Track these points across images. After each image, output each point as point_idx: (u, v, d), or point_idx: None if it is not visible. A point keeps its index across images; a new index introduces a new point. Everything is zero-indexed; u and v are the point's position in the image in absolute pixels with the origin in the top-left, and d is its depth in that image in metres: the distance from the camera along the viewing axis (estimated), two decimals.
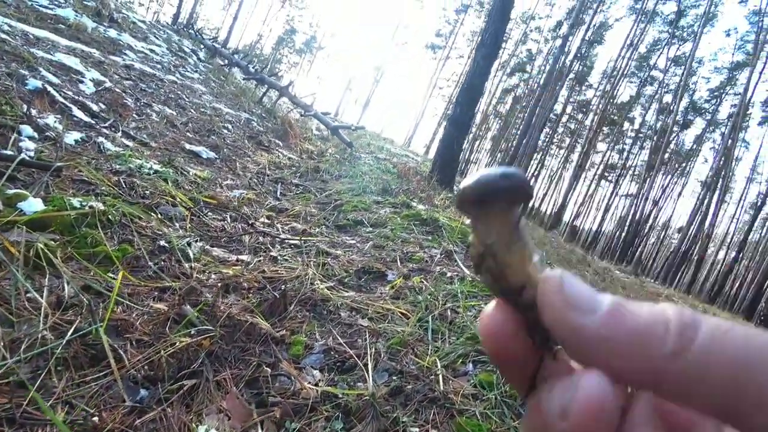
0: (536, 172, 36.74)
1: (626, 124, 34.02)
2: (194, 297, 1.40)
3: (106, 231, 1.52)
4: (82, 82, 3.19)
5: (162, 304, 1.35)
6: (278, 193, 3.27)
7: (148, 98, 4.00)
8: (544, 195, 38.06)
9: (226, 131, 4.73)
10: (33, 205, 1.34)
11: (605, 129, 33.02)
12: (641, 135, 33.30)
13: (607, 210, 33.61)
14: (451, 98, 36.02)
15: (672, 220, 36.91)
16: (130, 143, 2.68)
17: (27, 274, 1.14)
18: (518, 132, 28.26)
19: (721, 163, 24.31)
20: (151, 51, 6.73)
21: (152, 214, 1.87)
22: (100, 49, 4.98)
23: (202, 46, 9.78)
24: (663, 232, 35.96)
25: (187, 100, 4.89)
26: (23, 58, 2.78)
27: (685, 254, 25.20)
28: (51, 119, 2.21)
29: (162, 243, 1.66)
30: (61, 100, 2.52)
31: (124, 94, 3.59)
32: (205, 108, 5.10)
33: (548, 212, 37.22)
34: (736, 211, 34.44)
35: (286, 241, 2.11)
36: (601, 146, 35.69)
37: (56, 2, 5.81)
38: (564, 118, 36.29)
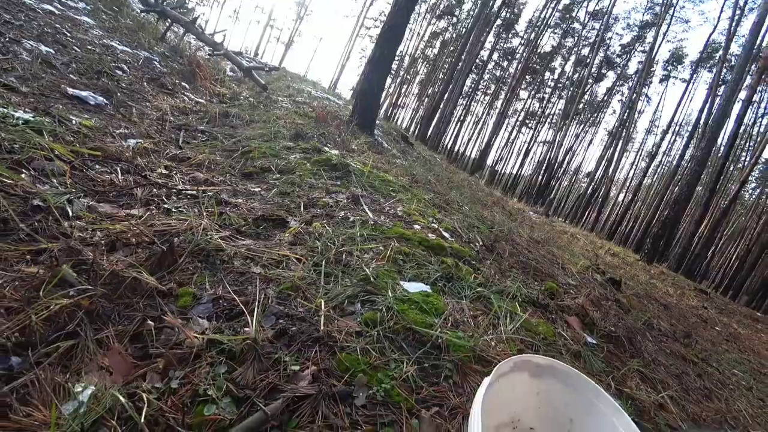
0: (461, 118, 37.70)
1: (547, 74, 35.58)
2: (74, 257, 1.34)
3: None
4: None
5: (36, 267, 1.28)
6: (180, 141, 3.08)
7: (15, 32, 3.44)
8: (469, 140, 39.44)
9: (120, 72, 4.25)
10: None
11: (528, 77, 34.27)
12: (560, 85, 35.13)
13: (526, 155, 35.80)
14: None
15: (583, 165, 40.41)
16: None
17: None
18: (445, 77, 28.46)
19: (626, 115, 26.69)
20: None
21: (23, 171, 1.70)
22: None
23: None
24: (574, 177, 39.34)
25: (69, 35, 4.27)
26: None
27: (591, 196, 28.03)
28: None
29: (36, 202, 1.54)
30: None
31: None
32: (93, 45, 4.50)
33: (472, 156, 38.83)
34: (635, 159, 38.47)
35: (184, 192, 2.04)
36: (524, 94, 37.22)
37: None
38: (490, 65, 36.97)
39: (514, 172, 37.27)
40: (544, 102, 36.60)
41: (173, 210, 1.80)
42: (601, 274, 4.13)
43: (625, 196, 35.64)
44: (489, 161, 36.16)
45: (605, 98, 35.41)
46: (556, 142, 29.66)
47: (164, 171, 2.34)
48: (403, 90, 39.58)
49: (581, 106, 32.98)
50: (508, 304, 1.80)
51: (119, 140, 2.64)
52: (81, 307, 1.14)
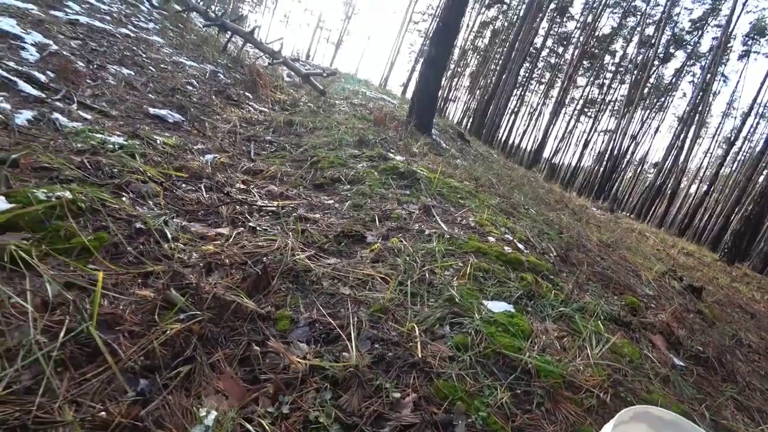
0: (516, 109, 36.44)
1: (607, 58, 33.49)
2: (178, 280, 1.43)
3: (78, 220, 1.50)
4: (23, 48, 2.96)
5: (147, 290, 1.38)
6: (252, 153, 3.21)
7: (101, 59, 3.74)
8: (524, 132, 38.06)
9: (190, 87, 4.51)
10: None
11: (585, 63, 32.47)
12: (621, 69, 32.94)
13: (585, 146, 33.97)
14: (428, 33, 34.48)
15: (649, 155, 37.70)
16: (89, 115, 2.56)
17: (6, 278, 1.14)
18: (497, 68, 27.60)
19: (699, 98, 24.48)
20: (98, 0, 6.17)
21: (123, 194, 1.84)
22: (37, 3, 4.56)
23: None
24: (639, 167, 36.82)
25: (144, 56, 4.59)
26: None
27: (659, 189, 26.04)
28: None
29: (138, 225, 1.66)
30: (3, 73, 2.35)
31: (73, 57, 3.35)
32: (165, 63, 4.81)
33: (528, 149, 37.44)
34: (710, 146, 35.33)
35: (264, 208, 2.12)
36: (581, 81, 35.30)
37: None
38: (544, 52, 35.44)
39: (573, 163, 35.48)
40: (605, 88, 34.47)
41: (258, 229, 1.88)
42: (678, 281, 3.84)
43: (698, 188, 32.84)
44: (546, 153, 34.75)
45: (673, 80, 32.73)
46: (619, 130, 27.87)
47: (242, 186, 2.45)
48: (454, 83, 38.92)
49: (646, 90, 30.69)
50: (592, 323, 1.71)
51: (198, 156, 2.80)
52: (193, 332, 1.22)
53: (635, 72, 28.86)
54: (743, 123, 27.15)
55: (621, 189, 32.97)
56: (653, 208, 26.85)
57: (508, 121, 35.28)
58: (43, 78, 2.70)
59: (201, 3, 11.68)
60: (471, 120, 33.61)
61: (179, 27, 7.49)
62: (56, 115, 2.27)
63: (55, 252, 1.36)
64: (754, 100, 26.68)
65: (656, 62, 29.10)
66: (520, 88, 35.75)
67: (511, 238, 2.29)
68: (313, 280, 1.57)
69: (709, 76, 24.36)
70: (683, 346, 2.01)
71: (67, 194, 1.55)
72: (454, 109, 40.74)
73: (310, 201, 2.38)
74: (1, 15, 3.40)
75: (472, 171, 4.55)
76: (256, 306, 1.37)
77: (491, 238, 2.21)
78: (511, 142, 36.62)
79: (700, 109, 25.27)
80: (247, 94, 5.54)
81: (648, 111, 33.44)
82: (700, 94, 24.60)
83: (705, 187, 27.21)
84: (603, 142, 31.97)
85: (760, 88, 26.05)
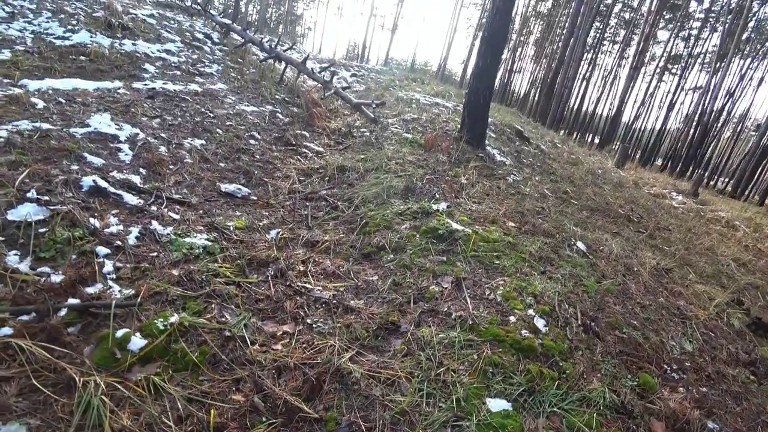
0: (587, 75, 33.82)
1: (693, 5, 29.61)
2: (259, 386, 1.95)
3: (185, 338, 2.07)
4: (120, 150, 3.69)
5: (239, 395, 1.92)
6: (309, 219, 3.71)
7: (177, 135, 4.44)
8: (598, 99, 35.28)
9: (253, 141, 5.13)
10: (137, 342, 1.90)
11: (666, 15, 29.00)
12: (713, 15, 29.00)
13: (671, 107, 30.69)
14: (484, 6, 32.87)
15: (751, 112, 33.03)
16: (176, 214, 3.19)
17: (152, 401, 1.72)
18: (563, 32, 25.76)
19: None
20: (167, 52, 7.04)
21: (212, 301, 2.41)
22: (122, 77, 5.42)
23: (214, 24, 9.85)
24: (739, 127, 32.54)
25: (212, 115, 5.27)
26: (68, 150, 3.29)
27: (764, 152, 22.91)
28: (112, 221, 2.76)
29: (226, 333, 2.21)
30: (113, 191, 3.04)
31: (156, 142, 4.06)
32: (230, 117, 5.46)
33: (604, 115, 34.72)
34: None
35: (319, 299, 2.60)
36: (662, 35, 31.67)
37: (70, 27, 6.22)
38: (617, 8, 32.25)
39: (657, 127, 32.23)
40: (692, 40, 30.65)
41: (313, 325, 2.35)
42: (743, 315, 3.73)
43: None
44: (625, 118, 31.99)
45: None
46: (712, 86, 24.80)
47: (301, 267, 2.95)
48: (518, 54, 36.96)
49: (745, 36, 26.74)
50: (587, 416, 1.96)
51: (264, 233, 3.35)
52: None
53: (729, 17, 25.29)
54: None
55: (717, 154, 29.47)
56: (756, 177, 23.77)
57: (579, 87, 32.88)
58: (138, 180, 3.39)
59: (255, 32, 12.43)
60: (538, 90, 31.84)
61: (239, 62, 8.25)
62: (154, 225, 2.91)
63: (176, 371, 1.93)
64: None
65: (756, 3, 25.18)
66: (591, 51, 33.02)
67: (533, 314, 2.54)
68: (354, 380, 2.01)
69: None
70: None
71: (176, 318, 2.13)
72: (519, 80, 38.78)
73: (356, 283, 2.82)
74: (99, 111, 4.21)
75: (522, 201, 4.67)
76: (313, 411, 1.85)
77: (513, 318, 2.48)
78: (584, 109, 34.18)
79: None
80: (303, 133, 6.08)
81: (748, 59, 29.19)
82: None
83: None
84: (691, 102, 28.65)
85: None
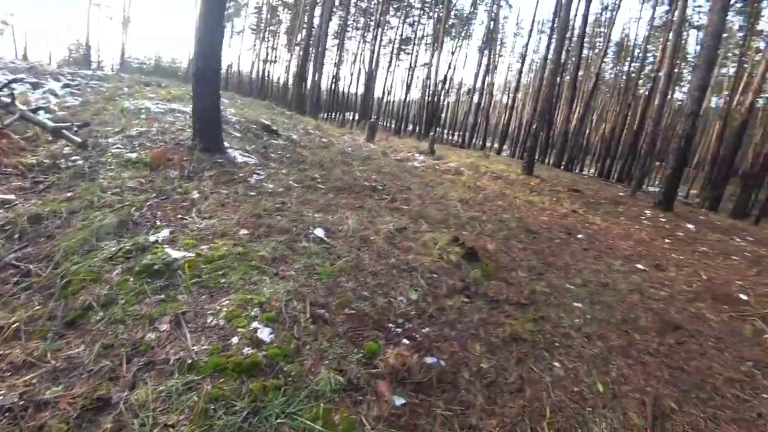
0: (337, 61, 36.60)
1: None
2: None
3: None
4: None
5: None
6: None
7: None
8: (350, 82, 38.78)
9: None
10: None
11: (394, 3, 33.66)
12: (427, 5, 35.09)
13: (410, 83, 36.16)
14: None
15: (465, 80, 41.94)
16: None
17: None
18: (307, 23, 26.95)
19: (492, 25, 27.67)
20: None
21: None
22: None
23: None
24: (458, 93, 40.86)
25: None
26: None
27: (477, 109, 29.51)
28: None
29: None
30: None
31: None
32: None
33: (359, 94, 38.43)
34: (508, 61, 40.78)
35: (1, 407, 1.95)
36: (394, 21, 36.68)
37: None
38: None
39: (403, 99, 37.59)
40: (416, 25, 36.54)
41: None
42: (460, 248, 4.53)
43: (508, 102, 38.08)
44: (378, 95, 36.08)
45: (472, 10, 36.18)
46: (434, 62, 30.14)
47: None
48: (272, 44, 36.98)
49: (450, 23, 33.36)
50: (315, 409, 2.05)
51: None
52: None
53: (438, 8, 31.15)
54: (528, 39, 31.59)
55: (448, 117, 36.50)
56: (476, 128, 30.48)
57: (332, 73, 35.42)
58: None
59: None
60: (295, 79, 32.79)
61: None
62: None
63: None
64: (533, 19, 31.11)
65: None
66: (338, 38, 35.74)
67: (258, 326, 2.50)
68: None
69: (496, 6, 27.48)
70: (411, 375, 2.50)
71: None
72: (277, 70, 39.13)
73: (55, 365, 2.23)
74: None
75: (259, 200, 4.60)
76: None
77: (235, 339, 2.38)
78: (342, 91, 37.06)
79: (493, 34, 28.64)
80: None
81: (457, 39, 36.60)
82: (492, 22, 27.81)
83: (511, 101, 31.64)
84: (424, 76, 34.43)
85: (535, 12, 30.40)
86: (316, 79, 24.87)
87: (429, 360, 2.69)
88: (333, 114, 34.08)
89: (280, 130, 8.83)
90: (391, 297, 3.30)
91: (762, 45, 24.47)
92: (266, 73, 36.03)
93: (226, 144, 6.43)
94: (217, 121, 6.07)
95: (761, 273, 6.86)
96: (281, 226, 3.96)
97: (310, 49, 24.72)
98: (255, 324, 2.50)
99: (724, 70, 33.25)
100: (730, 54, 32.29)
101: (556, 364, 2.95)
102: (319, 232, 4.12)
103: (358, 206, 5.43)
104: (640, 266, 5.71)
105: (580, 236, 6.63)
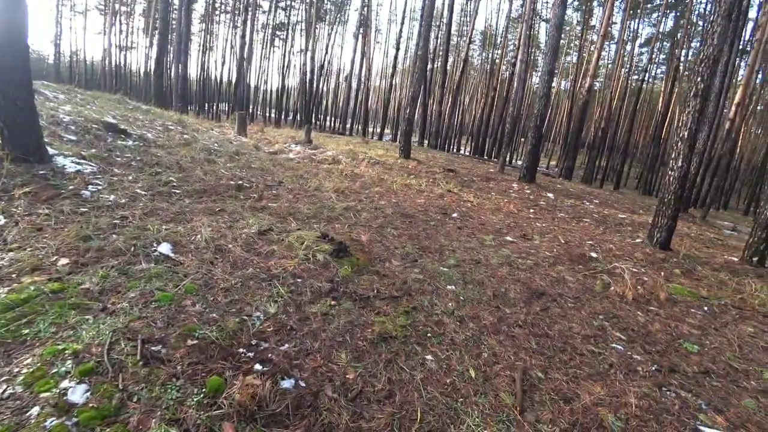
0: (206, 46, 33.60)
1: None
2: None
3: None
4: None
5: None
6: None
7: None
8: (222, 66, 35.94)
9: None
10: None
11: None
12: None
13: (286, 68, 34.73)
14: None
15: (343, 66, 41.66)
16: None
17: None
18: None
19: (366, 11, 27.57)
20: None
21: None
22: None
23: None
24: (337, 79, 40.53)
25: None
26: None
27: (356, 94, 29.48)
28: None
29: None
30: None
31: None
32: None
33: (231, 81, 35.86)
34: (385, 47, 41.47)
35: None
36: (266, 5, 34.66)
37: None
38: None
39: (280, 86, 36.07)
40: (290, 10, 34.97)
41: None
42: (328, 245, 4.21)
43: (386, 87, 38.86)
44: (254, 83, 33.99)
45: None
46: (310, 48, 29.29)
47: None
48: (128, 27, 32.31)
49: (324, 8, 32.65)
50: None
51: None
52: None
53: None
54: (402, 26, 32.40)
55: (330, 104, 36.02)
56: (355, 114, 30.58)
57: (200, 59, 32.35)
58: None
59: None
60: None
61: None
62: None
63: None
64: (404, 7, 31.94)
65: None
66: (205, 21, 32.65)
67: (69, 385, 1.88)
68: None
69: None
70: (263, 408, 2.08)
71: None
72: (136, 58, 34.54)
73: None
74: None
75: (88, 219, 3.72)
76: None
77: (36, 409, 1.76)
78: (214, 80, 34.11)
79: (368, 21, 28.68)
80: None
81: (333, 25, 36.01)
82: (366, 8, 27.77)
83: (388, 87, 32.29)
84: (301, 63, 33.35)
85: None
86: (180, 68, 22.27)
87: (285, 384, 2.31)
88: (206, 106, 31.21)
89: (132, 128, 7.54)
90: (245, 315, 2.83)
91: (595, 38, 28.46)
92: (123, 63, 31.53)
93: (52, 150, 5.18)
94: (32, 123, 4.79)
95: (606, 231, 7.82)
96: (116, 247, 3.20)
97: (170, 33, 22.03)
98: (65, 383, 1.87)
99: (569, 58, 38.36)
100: (572, 44, 37.29)
101: (429, 357, 2.78)
102: (164, 249, 3.44)
103: (218, 210, 4.78)
104: (509, 238, 6.02)
105: (454, 215, 6.80)
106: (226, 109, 31.19)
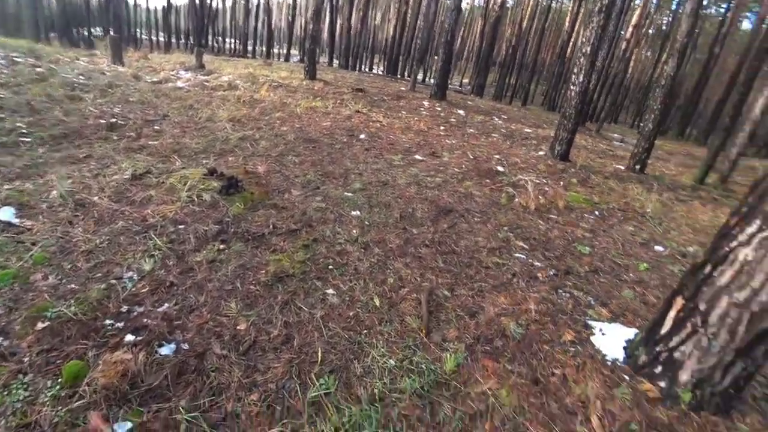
0: None
1: None
2: None
3: None
4: None
5: None
6: None
7: None
8: None
9: None
10: None
11: None
12: None
13: None
14: None
15: None
16: None
17: None
18: None
19: None
20: None
21: None
22: None
23: None
24: None
25: None
26: None
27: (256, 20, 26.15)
28: None
29: None
30: None
31: None
32: None
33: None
34: None
35: None
36: None
37: None
38: None
39: (167, 5, 30.89)
40: None
41: None
42: (216, 182, 3.72)
43: (290, 2, 35.02)
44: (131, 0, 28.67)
45: None
46: None
47: None
48: None
49: None
50: None
51: None
52: None
53: None
54: None
55: (228, 23, 31.91)
56: (256, 33, 27.54)
57: None
58: None
59: None
60: None
61: None
62: None
63: None
64: None
65: None
66: None
67: None
68: None
69: None
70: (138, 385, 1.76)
71: None
72: None
73: None
74: None
75: None
76: None
77: None
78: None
79: None
80: None
81: None
82: None
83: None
84: None
85: None
86: None
87: (164, 350, 2.00)
88: (73, 32, 25.91)
89: None
90: (114, 278, 2.39)
91: None
92: None
93: None
94: None
95: (513, 145, 8.03)
96: None
97: None
98: None
99: None
100: None
101: (330, 291, 2.60)
102: (5, 214, 2.76)
103: (83, 156, 3.98)
104: (418, 157, 5.89)
105: (362, 137, 6.46)
106: (103, 34, 26.29)
